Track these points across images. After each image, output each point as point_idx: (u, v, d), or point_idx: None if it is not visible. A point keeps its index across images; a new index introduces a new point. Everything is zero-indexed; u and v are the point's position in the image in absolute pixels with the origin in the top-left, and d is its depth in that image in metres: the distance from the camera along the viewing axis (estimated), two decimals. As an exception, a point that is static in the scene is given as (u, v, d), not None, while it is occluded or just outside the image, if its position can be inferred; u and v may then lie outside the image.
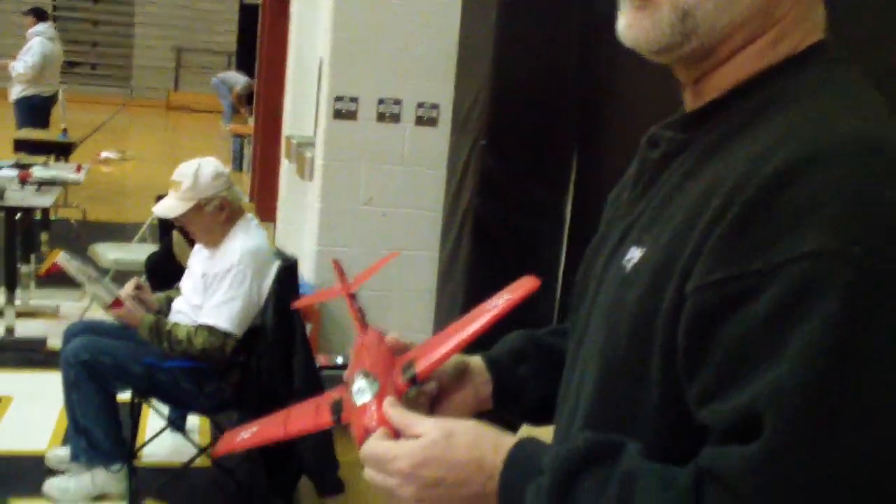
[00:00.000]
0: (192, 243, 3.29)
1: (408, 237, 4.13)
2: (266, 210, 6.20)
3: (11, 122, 8.08)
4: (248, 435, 1.12)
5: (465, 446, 0.87)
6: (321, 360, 3.74)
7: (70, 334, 3.12)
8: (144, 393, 3.07)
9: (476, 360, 1.12)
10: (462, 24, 3.97)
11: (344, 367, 3.98)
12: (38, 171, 5.17)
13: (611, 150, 3.24)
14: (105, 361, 2.96)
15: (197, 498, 3.22)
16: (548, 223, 3.54)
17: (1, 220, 4.65)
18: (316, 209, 4.18)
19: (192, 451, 3.24)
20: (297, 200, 5.05)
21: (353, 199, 4.14)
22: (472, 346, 1.05)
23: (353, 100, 4.06)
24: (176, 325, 2.98)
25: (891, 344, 0.70)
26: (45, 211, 5.82)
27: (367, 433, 0.93)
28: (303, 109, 5.37)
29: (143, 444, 3.36)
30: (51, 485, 3.10)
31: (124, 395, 3.09)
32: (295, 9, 5.73)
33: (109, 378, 2.99)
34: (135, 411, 3.13)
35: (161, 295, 3.21)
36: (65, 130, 7.24)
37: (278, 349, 3.04)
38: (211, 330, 2.93)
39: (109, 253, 4.83)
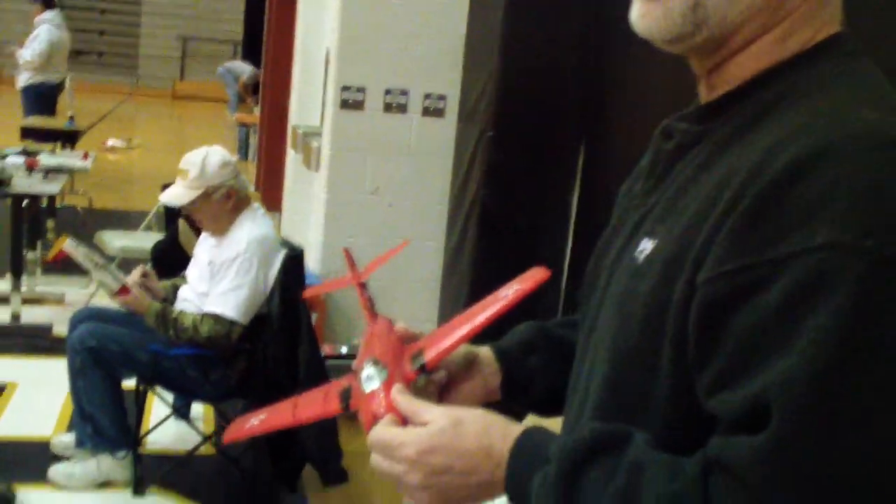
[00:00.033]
0: (198, 232, 3.30)
1: (414, 228, 4.12)
2: (272, 200, 6.17)
3: (19, 109, 8.08)
4: (257, 422, 1.12)
5: (474, 435, 0.87)
6: (326, 349, 3.75)
7: (76, 321, 3.13)
8: (150, 380, 3.08)
9: (485, 351, 1.12)
10: (470, 15, 3.97)
11: (349, 356, 4.00)
12: (44, 159, 5.18)
13: (617, 142, 3.24)
14: (111, 348, 2.97)
15: (201, 485, 3.23)
16: (554, 214, 3.55)
17: (8, 207, 4.66)
18: (322, 199, 4.18)
19: (197, 438, 3.25)
20: (303, 190, 5.04)
21: (360, 189, 4.13)
22: (480, 336, 1.06)
23: (361, 90, 4.05)
24: (182, 312, 2.99)
25: (901, 336, 0.70)
26: (52, 198, 5.83)
27: (375, 419, 0.93)
28: (309, 99, 5.36)
29: (148, 432, 3.37)
30: (56, 471, 3.11)
31: (129, 383, 3.10)
32: (302, -2, 5.72)
33: (115, 365, 3.00)
34: (140, 399, 3.15)
35: (167, 283, 3.22)
36: (72, 118, 7.24)
37: (284, 338, 3.05)
38: (217, 318, 2.94)
39: (115, 240, 4.85)
